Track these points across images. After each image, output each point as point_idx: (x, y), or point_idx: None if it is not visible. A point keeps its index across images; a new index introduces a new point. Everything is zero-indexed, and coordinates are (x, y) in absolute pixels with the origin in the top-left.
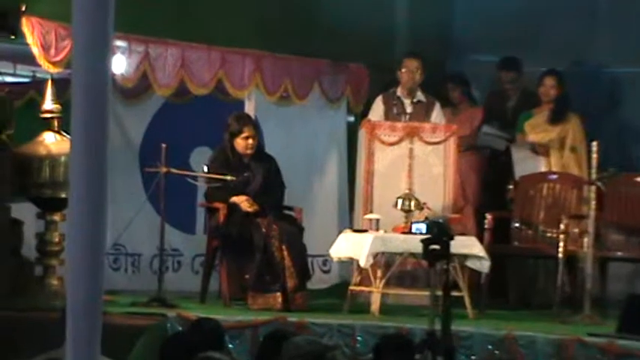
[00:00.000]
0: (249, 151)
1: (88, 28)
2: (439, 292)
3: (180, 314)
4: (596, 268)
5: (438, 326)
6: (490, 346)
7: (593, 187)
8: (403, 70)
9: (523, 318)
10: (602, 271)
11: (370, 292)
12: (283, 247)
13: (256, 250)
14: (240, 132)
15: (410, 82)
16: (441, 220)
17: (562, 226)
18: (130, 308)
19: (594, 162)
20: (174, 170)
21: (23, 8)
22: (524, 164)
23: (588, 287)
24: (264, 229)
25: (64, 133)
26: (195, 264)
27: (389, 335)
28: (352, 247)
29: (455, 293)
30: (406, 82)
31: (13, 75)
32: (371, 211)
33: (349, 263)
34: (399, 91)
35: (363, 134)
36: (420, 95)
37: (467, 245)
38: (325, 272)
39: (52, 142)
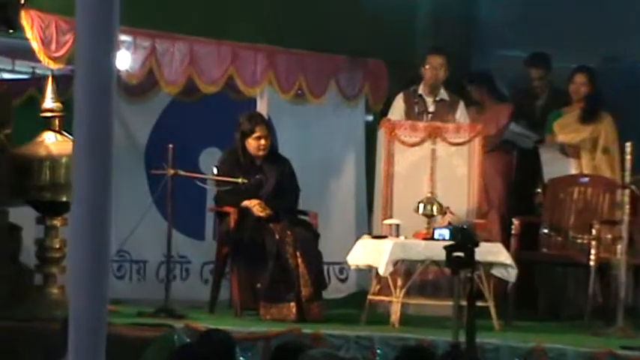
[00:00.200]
0: (261, 152)
1: (91, 21)
2: (463, 302)
3: (189, 325)
4: (629, 276)
5: (462, 338)
6: None
7: (627, 191)
8: (427, 66)
9: (552, 329)
10: (636, 280)
11: (390, 301)
12: (298, 253)
13: (269, 257)
14: (252, 132)
15: (433, 80)
16: (465, 226)
17: (594, 232)
18: (135, 319)
19: (628, 164)
20: (181, 172)
21: (22, 1)
22: (554, 166)
23: (621, 297)
24: (277, 235)
25: (66, 133)
26: (205, 272)
27: (410, 347)
28: (371, 254)
29: (480, 303)
30: (429, 80)
31: (12, 71)
32: (390, 216)
33: (367, 271)
34: (421, 89)
35: (382, 134)
36: (443, 93)
37: (493, 252)
38: (342, 281)
39: (52, 142)
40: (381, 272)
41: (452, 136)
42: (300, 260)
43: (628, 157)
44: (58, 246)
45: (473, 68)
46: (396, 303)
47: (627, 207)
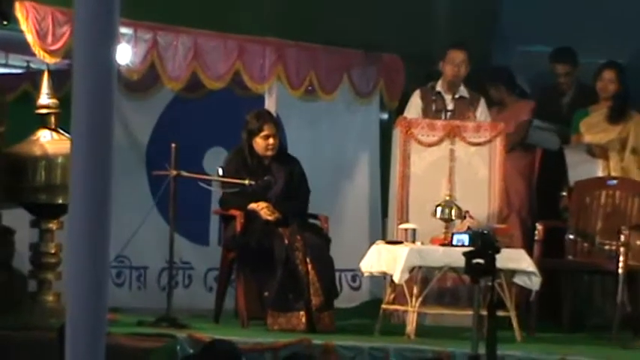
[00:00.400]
0: (269, 152)
1: (90, 12)
2: (483, 312)
3: (192, 335)
4: None
5: (481, 350)
6: None
7: None
8: (446, 62)
9: (578, 341)
10: None
11: (405, 311)
12: (308, 260)
13: (277, 263)
14: (260, 130)
15: (453, 77)
16: (485, 231)
17: (622, 238)
18: (135, 328)
19: None
20: (185, 173)
21: None
22: (580, 168)
23: None
24: (286, 240)
25: (62, 131)
26: (209, 279)
27: None
28: (385, 260)
29: (501, 313)
30: (449, 77)
31: (5, 65)
32: (406, 220)
33: (381, 279)
34: (440, 86)
35: (397, 133)
36: (462, 90)
37: (515, 259)
38: (355, 289)
39: (48, 141)
40: (396, 280)
41: (472, 135)
42: (310, 267)
43: None
44: (53, 251)
45: (494, 64)
46: (412, 312)
47: None
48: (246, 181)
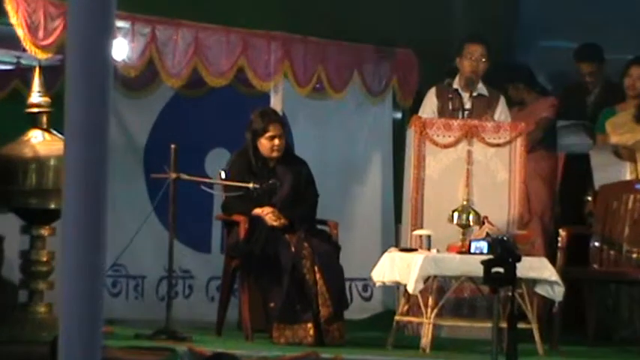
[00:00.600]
0: (275, 154)
1: (85, 5)
2: (503, 324)
3: (193, 349)
4: None
5: None
6: None
7: None
8: (464, 57)
9: (603, 355)
10: None
11: (420, 323)
12: (316, 268)
13: (283, 272)
14: (265, 131)
15: (471, 73)
16: (505, 238)
17: None
18: (132, 341)
19: None
20: (185, 176)
21: None
22: (606, 171)
23: None
24: (293, 248)
25: (55, 132)
26: (211, 288)
27: None
28: (398, 269)
29: (522, 325)
30: (467, 73)
31: None
32: (421, 227)
33: (394, 289)
34: (457, 83)
35: (411, 134)
36: (481, 88)
37: (536, 268)
38: (366, 299)
39: (39, 141)
40: (410, 290)
41: (491, 136)
42: (318, 276)
43: None
44: (45, 259)
45: (514, 60)
46: (427, 325)
47: None
48: (251, 185)
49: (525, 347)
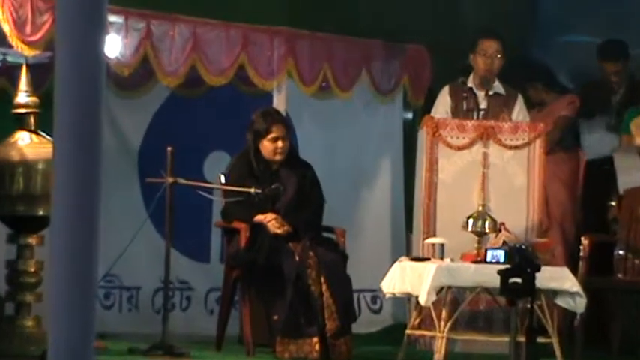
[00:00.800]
0: (278, 157)
1: None
2: (521, 338)
3: None
4: None
5: None
6: None
7: None
8: (478, 54)
9: None
10: None
11: (433, 337)
12: (322, 279)
13: (287, 282)
14: (268, 132)
15: (486, 70)
16: (523, 246)
17: None
18: (126, 357)
19: None
20: (182, 181)
21: None
22: (631, 174)
23: None
24: (297, 257)
25: (43, 134)
26: (210, 300)
27: None
28: (409, 279)
29: (541, 339)
30: (481, 70)
31: None
32: (433, 234)
33: (405, 300)
34: (471, 81)
35: (424, 135)
36: (497, 86)
37: (557, 278)
38: (375, 312)
39: (27, 144)
40: (422, 301)
41: (508, 137)
42: (324, 287)
43: None
44: (33, 269)
45: (531, 57)
46: (440, 338)
47: None
48: (252, 190)
49: None
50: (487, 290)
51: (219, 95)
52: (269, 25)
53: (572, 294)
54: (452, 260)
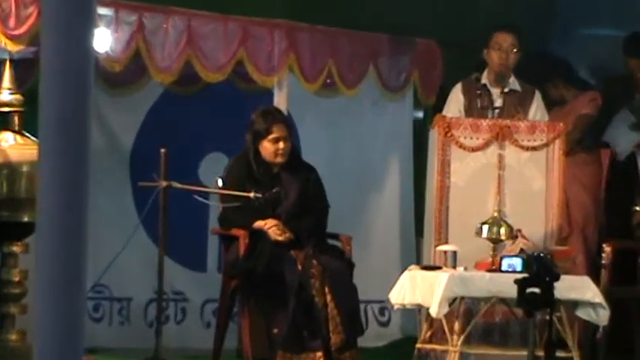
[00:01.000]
0: (279, 159)
1: None
2: (540, 353)
3: None
4: None
5: None
6: None
7: None
8: (492, 48)
9: None
10: None
11: (445, 351)
12: (326, 289)
13: (289, 293)
14: (268, 132)
15: (501, 65)
16: (541, 254)
17: None
18: None
19: None
20: (177, 184)
21: None
22: None
23: None
24: (299, 265)
25: (28, 134)
26: (206, 312)
27: None
28: (420, 290)
29: (561, 354)
30: (496, 66)
31: None
32: (445, 241)
33: (416, 312)
34: (486, 78)
35: (435, 136)
36: (513, 82)
37: (577, 288)
38: (383, 324)
39: (10, 145)
40: (433, 313)
41: (525, 137)
42: (329, 297)
43: None
44: (17, 279)
45: (550, 52)
46: (452, 352)
47: None
48: (252, 194)
49: None
50: (503, 301)
51: (216, 93)
52: (269, 17)
53: (593, 305)
54: (465, 269)
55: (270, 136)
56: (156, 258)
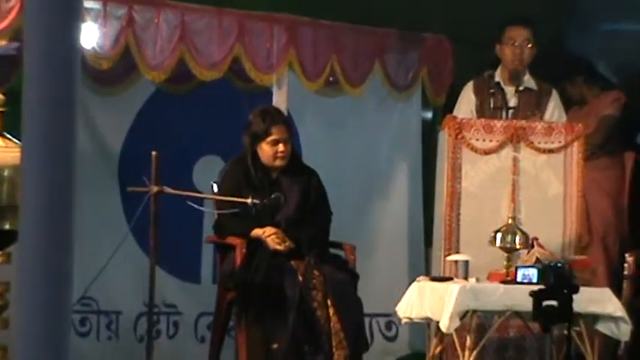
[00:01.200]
0: (279, 162)
1: None
2: None
3: None
4: None
5: None
6: None
7: None
8: (505, 43)
9: None
10: None
11: None
12: (329, 302)
13: (289, 306)
14: (267, 134)
15: (515, 62)
16: (559, 264)
17: None
18: None
19: None
20: (169, 190)
21: None
22: None
23: None
24: (300, 277)
25: (10, 136)
26: (201, 326)
27: None
28: (429, 302)
29: None
30: (510, 62)
31: None
32: (457, 251)
33: (424, 326)
34: (499, 76)
35: (445, 137)
36: (528, 80)
37: (598, 300)
38: (390, 339)
39: None
40: (443, 328)
41: (541, 139)
42: (332, 311)
43: None
44: None
45: (568, 48)
46: None
47: None
48: (249, 200)
49: None
50: (518, 315)
51: (211, 92)
52: (268, 11)
53: (615, 319)
54: (477, 280)
55: (269, 138)
56: (146, 268)
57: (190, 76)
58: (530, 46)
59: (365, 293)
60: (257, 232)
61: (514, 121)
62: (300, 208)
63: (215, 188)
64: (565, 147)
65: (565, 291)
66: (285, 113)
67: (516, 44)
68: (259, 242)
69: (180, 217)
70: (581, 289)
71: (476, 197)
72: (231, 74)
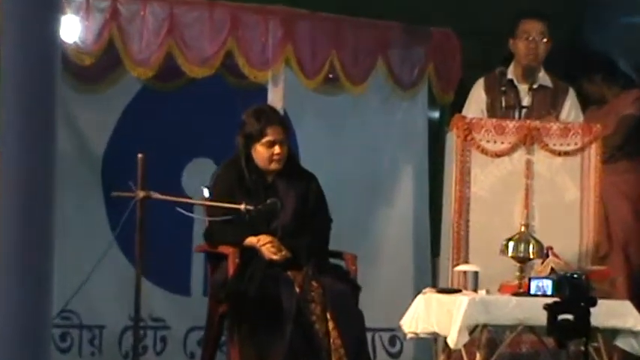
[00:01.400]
0: (274, 165)
1: None
2: None
3: None
4: None
5: None
6: None
7: None
8: (518, 38)
9: None
10: None
11: None
12: (328, 315)
13: (286, 319)
14: (262, 135)
15: (529, 57)
16: (576, 275)
17: None
18: None
19: None
20: (156, 195)
21: None
22: None
23: None
24: (298, 288)
25: None
26: (190, 342)
27: None
28: (436, 316)
29: None
30: (524, 57)
31: None
32: (465, 260)
33: (431, 342)
34: (512, 72)
35: (453, 139)
36: (543, 77)
37: (617, 314)
38: (394, 356)
39: None
40: (451, 343)
41: (557, 141)
42: (331, 325)
43: None
44: None
45: (586, 43)
46: None
47: None
48: (243, 206)
49: None
50: (531, 329)
51: (202, 89)
52: (263, 3)
53: (635, 334)
54: (488, 292)
55: (264, 140)
56: (132, 279)
57: (179, 72)
58: (545, 40)
59: (367, 306)
60: (251, 240)
61: (527, 121)
62: (298, 215)
63: (206, 193)
64: (582, 149)
65: (582, 304)
66: (282, 112)
67: (531, 38)
68: (253, 251)
69: (168, 224)
70: (600, 301)
71: (486, 203)
72: (223, 70)
